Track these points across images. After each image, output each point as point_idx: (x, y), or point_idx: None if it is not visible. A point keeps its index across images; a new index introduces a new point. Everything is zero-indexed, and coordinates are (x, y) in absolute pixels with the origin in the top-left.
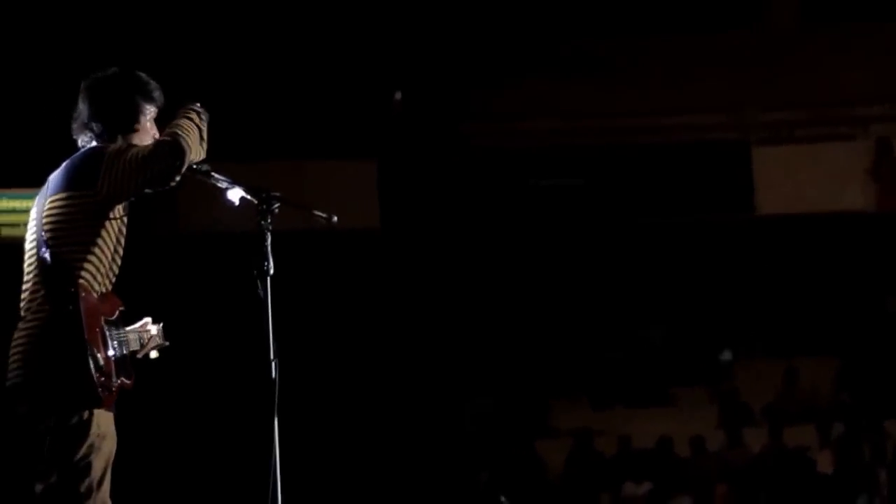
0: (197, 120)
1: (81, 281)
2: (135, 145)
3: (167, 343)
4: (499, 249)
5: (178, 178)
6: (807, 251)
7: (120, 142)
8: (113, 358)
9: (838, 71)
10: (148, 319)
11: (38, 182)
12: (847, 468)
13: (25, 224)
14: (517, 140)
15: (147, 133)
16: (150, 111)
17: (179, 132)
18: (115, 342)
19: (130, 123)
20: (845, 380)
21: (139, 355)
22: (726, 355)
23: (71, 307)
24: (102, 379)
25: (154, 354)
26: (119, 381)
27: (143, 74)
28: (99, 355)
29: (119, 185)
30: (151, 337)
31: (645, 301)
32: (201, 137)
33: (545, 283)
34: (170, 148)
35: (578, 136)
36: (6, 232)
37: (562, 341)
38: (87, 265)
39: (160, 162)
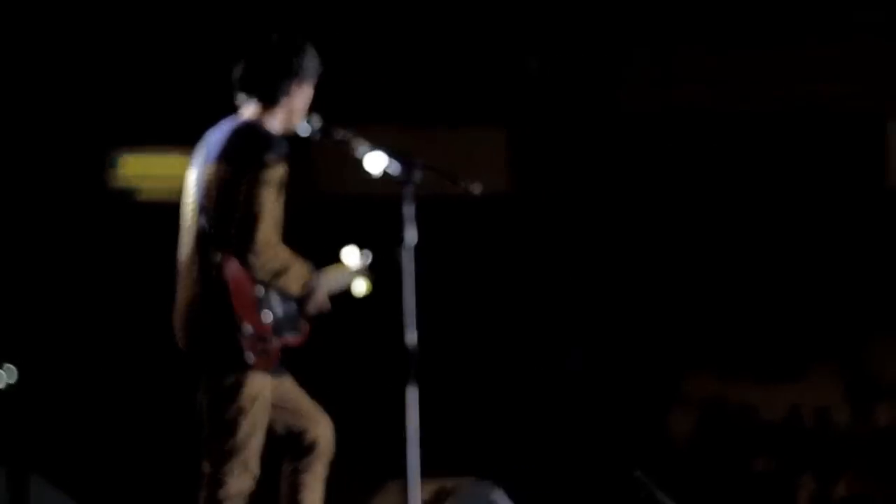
0: (303, 288)
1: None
2: (268, 186)
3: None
4: (631, 214)
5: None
6: None
7: (279, 111)
8: (271, 319)
9: None
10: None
11: (175, 142)
12: None
13: (169, 185)
14: (650, 106)
15: (305, 99)
16: (310, 79)
17: (297, 267)
18: (276, 301)
19: (290, 89)
20: None
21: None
22: None
23: (215, 274)
24: (252, 342)
25: (359, 290)
26: (280, 342)
27: (303, 42)
28: (246, 323)
29: (231, 199)
30: (355, 272)
31: (774, 273)
32: (299, 284)
33: (678, 250)
34: (274, 252)
35: (713, 102)
36: (145, 192)
37: (693, 310)
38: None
39: (255, 244)
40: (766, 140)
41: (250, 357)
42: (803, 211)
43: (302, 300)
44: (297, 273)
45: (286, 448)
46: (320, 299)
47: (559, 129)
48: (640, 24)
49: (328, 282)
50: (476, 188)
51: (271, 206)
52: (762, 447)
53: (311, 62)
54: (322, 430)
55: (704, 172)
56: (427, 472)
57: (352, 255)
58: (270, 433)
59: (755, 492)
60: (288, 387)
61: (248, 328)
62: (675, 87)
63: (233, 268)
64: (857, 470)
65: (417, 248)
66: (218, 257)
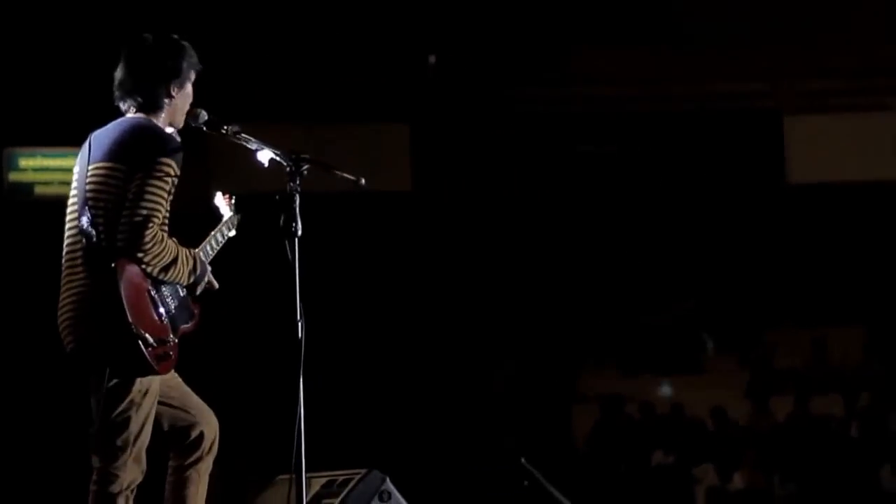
0: (193, 275)
1: (120, 254)
2: (160, 184)
3: (238, 214)
4: (533, 213)
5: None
6: (837, 221)
7: (162, 114)
8: (167, 316)
9: (873, 41)
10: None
11: (70, 141)
12: (872, 438)
13: (62, 182)
14: (556, 106)
15: (187, 98)
16: (190, 77)
17: (185, 257)
18: (170, 295)
19: (171, 92)
20: (874, 349)
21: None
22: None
23: (108, 282)
24: (156, 350)
25: (232, 233)
26: (176, 338)
27: (180, 40)
28: (147, 335)
29: (121, 198)
30: (225, 223)
31: (675, 269)
32: (189, 273)
33: (578, 249)
34: (163, 247)
35: (614, 103)
36: (40, 190)
37: (593, 307)
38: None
39: (148, 237)
40: (666, 138)
41: (156, 366)
42: (705, 208)
43: (191, 285)
44: (184, 260)
45: (171, 443)
46: (208, 278)
47: (460, 126)
48: (539, 24)
49: (209, 252)
50: (362, 181)
51: (163, 203)
52: (660, 441)
53: (188, 61)
54: (207, 425)
55: (603, 171)
56: (317, 465)
57: (222, 202)
58: (156, 428)
59: (655, 485)
60: (174, 383)
61: (149, 338)
62: (575, 87)
63: (127, 274)
64: (754, 462)
65: (320, 244)
66: (110, 264)
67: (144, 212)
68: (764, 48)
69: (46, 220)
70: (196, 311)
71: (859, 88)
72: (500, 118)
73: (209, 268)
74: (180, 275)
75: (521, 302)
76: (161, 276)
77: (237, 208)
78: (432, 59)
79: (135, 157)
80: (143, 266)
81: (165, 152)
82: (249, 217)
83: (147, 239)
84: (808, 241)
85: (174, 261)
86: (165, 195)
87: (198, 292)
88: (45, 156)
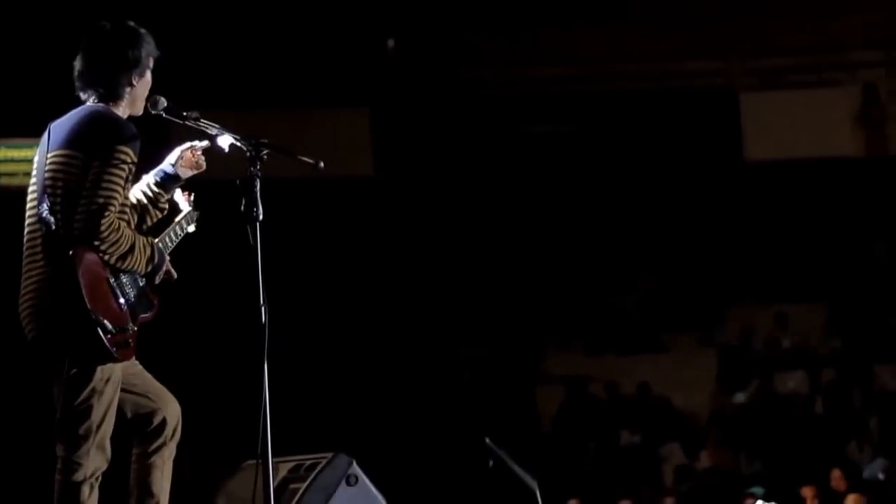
0: (150, 263)
1: (77, 242)
2: (117, 171)
3: (197, 210)
4: (494, 196)
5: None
6: (794, 197)
7: (122, 102)
8: (126, 304)
9: (826, 17)
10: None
11: (35, 132)
12: (837, 414)
13: (27, 173)
14: (511, 87)
15: (146, 85)
16: (149, 65)
17: (142, 246)
18: (128, 284)
19: (130, 80)
20: (835, 326)
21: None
22: None
23: (67, 270)
24: (116, 337)
25: (192, 228)
26: (136, 327)
27: (138, 28)
28: (106, 321)
29: (79, 185)
30: (184, 217)
31: (635, 248)
32: (147, 261)
33: (538, 230)
34: (120, 235)
35: (571, 83)
36: (5, 181)
37: (556, 288)
38: None
39: (104, 225)
40: (624, 118)
41: (115, 352)
42: (663, 187)
43: (150, 274)
44: (141, 249)
45: (134, 431)
46: (166, 267)
47: (420, 109)
48: (496, 6)
49: (167, 244)
50: (321, 164)
51: (120, 190)
52: (626, 421)
53: (146, 49)
54: (169, 411)
55: (563, 152)
56: (284, 450)
57: (181, 198)
58: (120, 415)
59: (622, 464)
60: (135, 370)
61: (108, 325)
62: (533, 69)
63: (85, 261)
64: (719, 441)
65: (284, 229)
66: (68, 251)
67: (101, 200)
68: (717, 27)
69: (11, 211)
70: (156, 301)
71: (812, 65)
72: (460, 100)
73: (168, 257)
74: (138, 263)
75: (485, 283)
76: (118, 264)
77: (196, 205)
78: (391, 42)
79: (92, 144)
80: (101, 254)
81: (122, 140)
82: (210, 203)
83: (103, 227)
84: (766, 218)
85: (131, 249)
86: (122, 182)
87: (157, 281)
88: (9, 147)
